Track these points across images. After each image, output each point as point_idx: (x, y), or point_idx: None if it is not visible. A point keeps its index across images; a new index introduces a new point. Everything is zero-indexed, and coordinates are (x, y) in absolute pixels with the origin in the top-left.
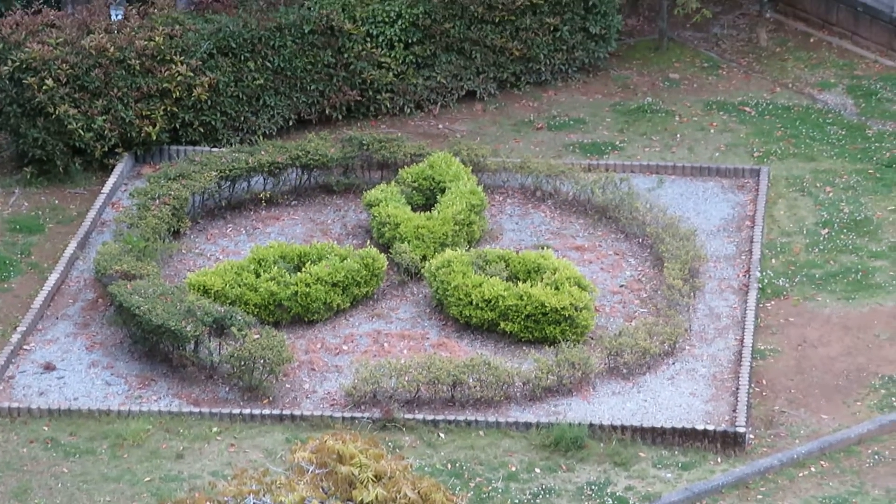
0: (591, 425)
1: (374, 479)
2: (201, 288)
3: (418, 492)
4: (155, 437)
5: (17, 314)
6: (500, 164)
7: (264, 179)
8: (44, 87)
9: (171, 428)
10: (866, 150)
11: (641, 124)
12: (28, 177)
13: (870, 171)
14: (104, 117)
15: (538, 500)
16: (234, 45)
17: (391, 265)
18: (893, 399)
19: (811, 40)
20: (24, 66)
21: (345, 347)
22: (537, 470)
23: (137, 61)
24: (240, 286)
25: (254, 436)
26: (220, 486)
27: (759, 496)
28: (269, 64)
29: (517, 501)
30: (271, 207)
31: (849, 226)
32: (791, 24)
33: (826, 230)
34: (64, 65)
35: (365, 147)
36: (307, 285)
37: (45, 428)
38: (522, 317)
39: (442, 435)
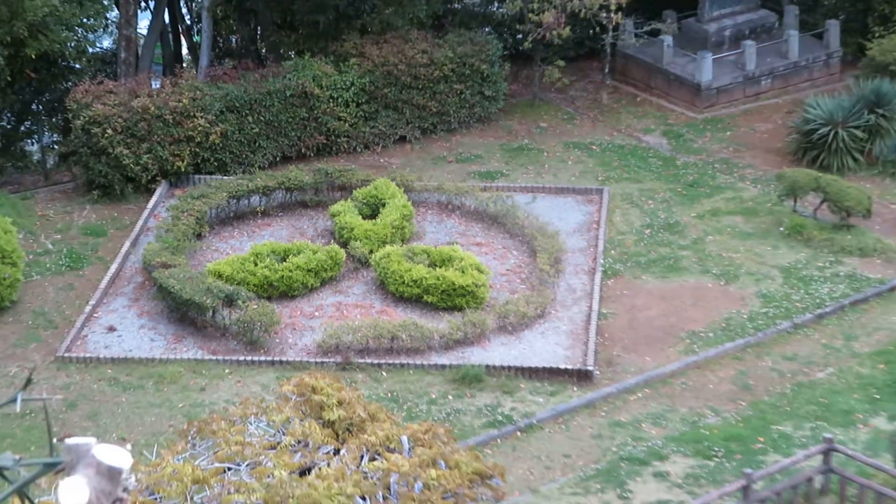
0: (486, 366)
1: (337, 404)
2: (217, 273)
3: (367, 412)
4: (185, 377)
5: (88, 293)
6: (423, 186)
7: (259, 198)
8: (105, 135)
9: (197, 370)
10: (676, 175)
11: (521, 158)
12: (95, 197)
13: (678, 190)
14: (148, 155)
15: (450, 417)
16: (237, 105)
17: (348, 257)
18: (695, 346)
19: (638, 99)
20: (91, 120)
21: (316, 314)
22: (450, 397)
23: (171, 116)
24: (243, 272)
25: (254, 375)
26: (231, 410)
27: (603, 413)
28: (262, 118)
29: (436, 418)
30: (265, 217)
31: (664, 227)
32: (624, 87)
33: (648, 230)
34: (119, 119)
35: (329, 175)
36: (290, 271)
37: (109, 371)
38: (439, 292)
39: (384, 373)
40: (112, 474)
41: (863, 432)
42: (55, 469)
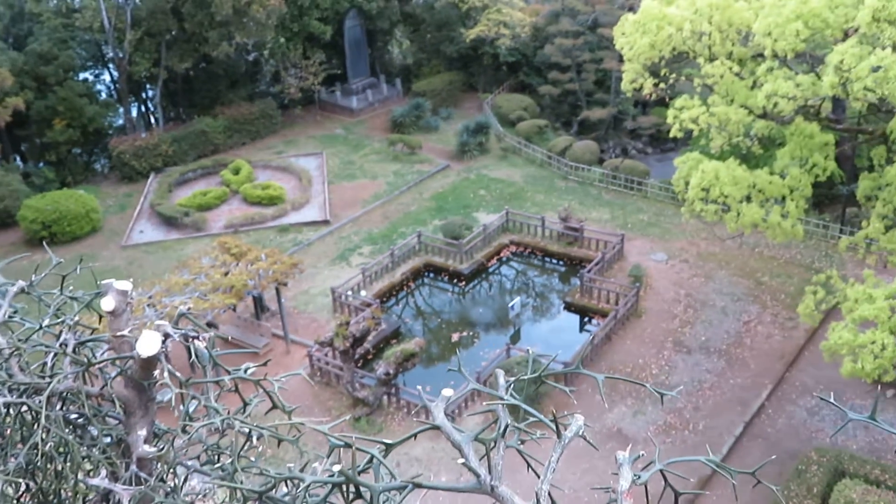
0: (290, 224)
1: (234, 246)
2: (180, 204)
3: (247, 247)
4: (174, 246)
5: (129, 219)
6: (256, 160)
7: (192, 173)
8: (126, 157)
9: (178, 243)
10: (349, 143)
11: (291, 145)
12: (126, 182)
13: (351, 149)
14: (145, 163)
15: (278, 245)
16: (177, 139)
17: (231, 191)
18: (368, 205)
19: (330, 117)
20: (120, 152)
21: (221, 215)
22: (277, 237)
23: (150, 147)
24: (191, 201)
25: (201, 241)
26: (195, 255)
27: (336, 234)
28: (187, 143)
29: (273, 246)
30: (195, 180)
31: (347, 163)
32: (324, 113)
33: (342, 165)
34: (130, 150)
35: (217, 161)
36: (208, 199)
37: (143, 248)
38: (268, 199)
39: (251, 233)
40: (122, 293)
41: (430, 227)
42: (100, 295)
